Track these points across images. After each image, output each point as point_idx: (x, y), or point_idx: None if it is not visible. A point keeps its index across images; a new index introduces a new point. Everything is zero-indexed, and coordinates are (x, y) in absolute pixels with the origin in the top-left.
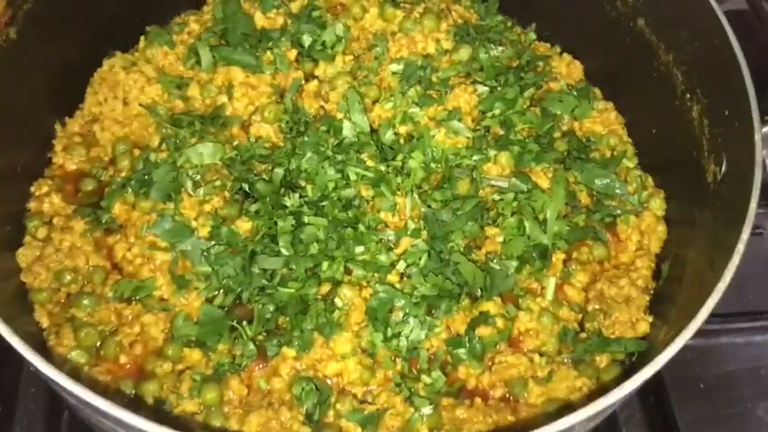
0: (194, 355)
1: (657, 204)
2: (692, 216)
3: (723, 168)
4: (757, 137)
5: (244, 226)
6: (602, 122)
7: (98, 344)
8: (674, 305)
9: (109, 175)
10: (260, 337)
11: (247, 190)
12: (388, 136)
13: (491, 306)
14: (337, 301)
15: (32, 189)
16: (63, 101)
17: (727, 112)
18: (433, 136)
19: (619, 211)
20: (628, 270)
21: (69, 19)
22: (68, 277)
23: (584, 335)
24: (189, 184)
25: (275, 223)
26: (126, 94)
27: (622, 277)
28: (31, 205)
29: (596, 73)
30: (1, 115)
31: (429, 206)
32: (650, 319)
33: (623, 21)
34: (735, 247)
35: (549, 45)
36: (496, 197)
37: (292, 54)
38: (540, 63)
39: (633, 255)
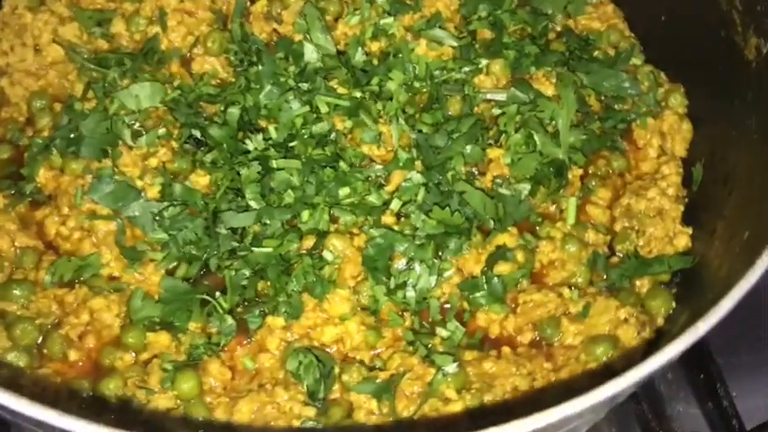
0: (161, 339)
1: (678, 101)
2: (728, 107)
3: None
4: None
5: (200, 181)
6: (600, 18)
7: (39, 340)
8: (719, 216)
9: (27, 138)
10: (239, 309)
11: (198, 137)
12: (358, 56)
13: (507, 238)
14: (326, 255)
15: None
16: None
17: None
18: (413, 49)
19: (633, 115)
20: (654, 179)
21: None
22: None
23: (616, 258)
24: (127, 133)
25: (238, 173)
26: (36, 40)
27: (650, 188)
28: None
29: None
30: None
31: (420, 131)
32: (690, 231)
33: None
34: None
35: None
36: (496, 112)
37: None
38: None
39: (657, 162)
